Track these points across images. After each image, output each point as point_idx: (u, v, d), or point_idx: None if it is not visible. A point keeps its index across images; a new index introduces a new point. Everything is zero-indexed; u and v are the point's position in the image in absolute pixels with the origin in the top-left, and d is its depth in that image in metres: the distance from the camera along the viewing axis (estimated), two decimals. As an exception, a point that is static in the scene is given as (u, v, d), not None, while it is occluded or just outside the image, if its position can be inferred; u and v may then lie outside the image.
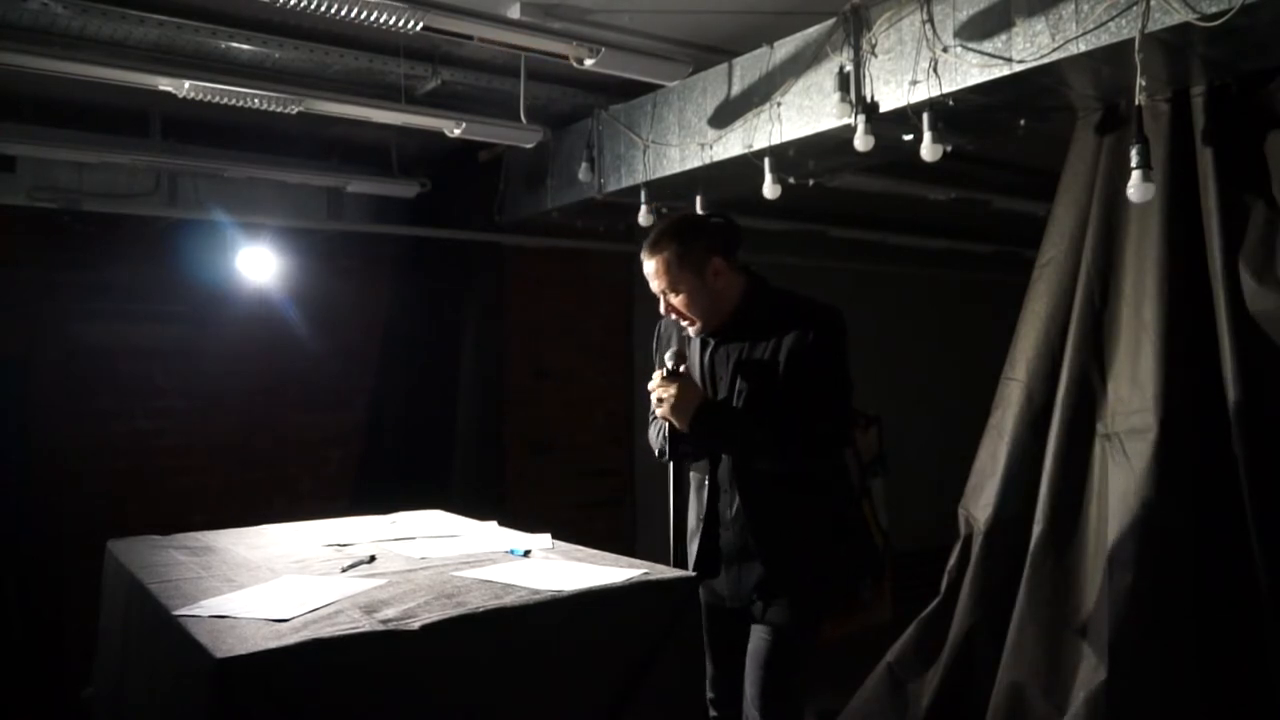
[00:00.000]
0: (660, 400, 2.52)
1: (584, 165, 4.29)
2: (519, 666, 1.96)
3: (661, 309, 2.62)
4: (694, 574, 2.37)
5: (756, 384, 2.51)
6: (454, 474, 5.24)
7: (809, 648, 2.63)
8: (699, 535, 2.65)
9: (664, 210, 4.52)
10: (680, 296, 2.53)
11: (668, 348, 2.61)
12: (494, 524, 3.09)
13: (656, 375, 2.57)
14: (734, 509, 2.57)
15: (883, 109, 3.17)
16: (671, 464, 2.59)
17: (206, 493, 4.94)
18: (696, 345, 2.65)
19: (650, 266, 2.55)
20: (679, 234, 2.55)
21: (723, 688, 2.71)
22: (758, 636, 2.60)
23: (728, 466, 2.59)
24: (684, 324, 2.61)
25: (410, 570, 2.35)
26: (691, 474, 2.72)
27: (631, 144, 4.15)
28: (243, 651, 1.70)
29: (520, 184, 4.99)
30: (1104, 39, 2.59)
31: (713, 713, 2.74)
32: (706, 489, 2.64)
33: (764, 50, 3.56)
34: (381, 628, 1.84)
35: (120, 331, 4.79)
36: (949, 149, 3.21)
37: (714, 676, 2.70)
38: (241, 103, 3.54)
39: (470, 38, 3.14)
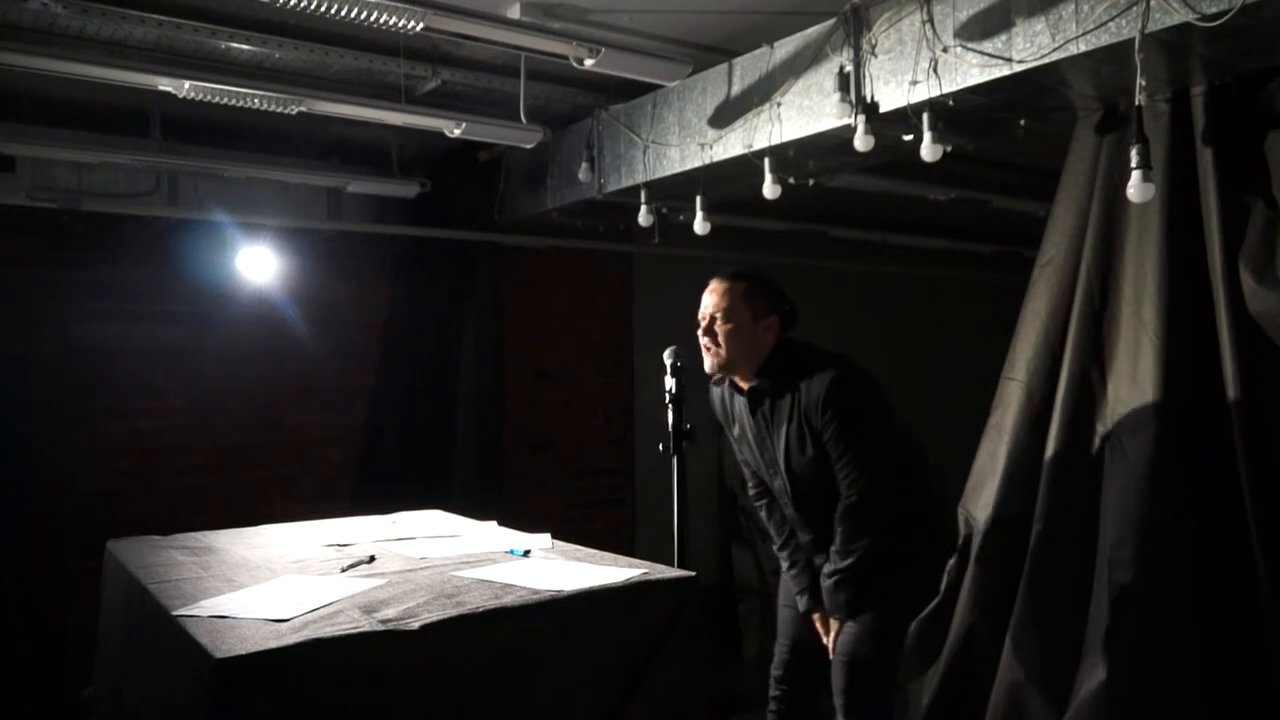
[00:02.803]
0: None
1: (584, 165, 4.29)
2: (518, 666, 1.96)
3: (700, 333, 2.78)
4: (693, 574, 2.37)
5: (798, 454, 2.72)
6: (454, 474, 5.24)
7: (894, 644, 2.87)
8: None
9: (664, 210, 4.52)
10: (727, 326, 2.72)
11: (732, 420, 2.90)
12: (494, 524, 3.09)
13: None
14: (801, 525, 2.85)
15: (883, 109, 3.17)
16: (676, 459, 2.62)
17: (206, 493, 4.94)
18: (745, 409, 2.83)
19: (719, 287, 2.78)
20: (756, 279, 2.82)
21: (789, 671, 2.96)
22: (843, 633, 2.79)
23: (783, 488, 2.81)
24: (706, 353, 2.77)
25: (410, 570, 2.35)
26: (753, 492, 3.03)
27: (631, 144, 4.15)
28: (242, 651, 1.70)
29: (520, 184, 4.99)
30: (1104, 39, 2.59)
31: (774, 691, 2.98)
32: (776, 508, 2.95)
33: (764, 50, 3.56)
34: (381, 628, 1.84)
35: (120, 331, 4.80)
36: (949, 149, 3.21)
37: (783, 659, 2.97)
38: (241, 103, 3.54)
39: (471, 38, 3.14)
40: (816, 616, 2.88)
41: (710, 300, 2.76)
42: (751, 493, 3.07)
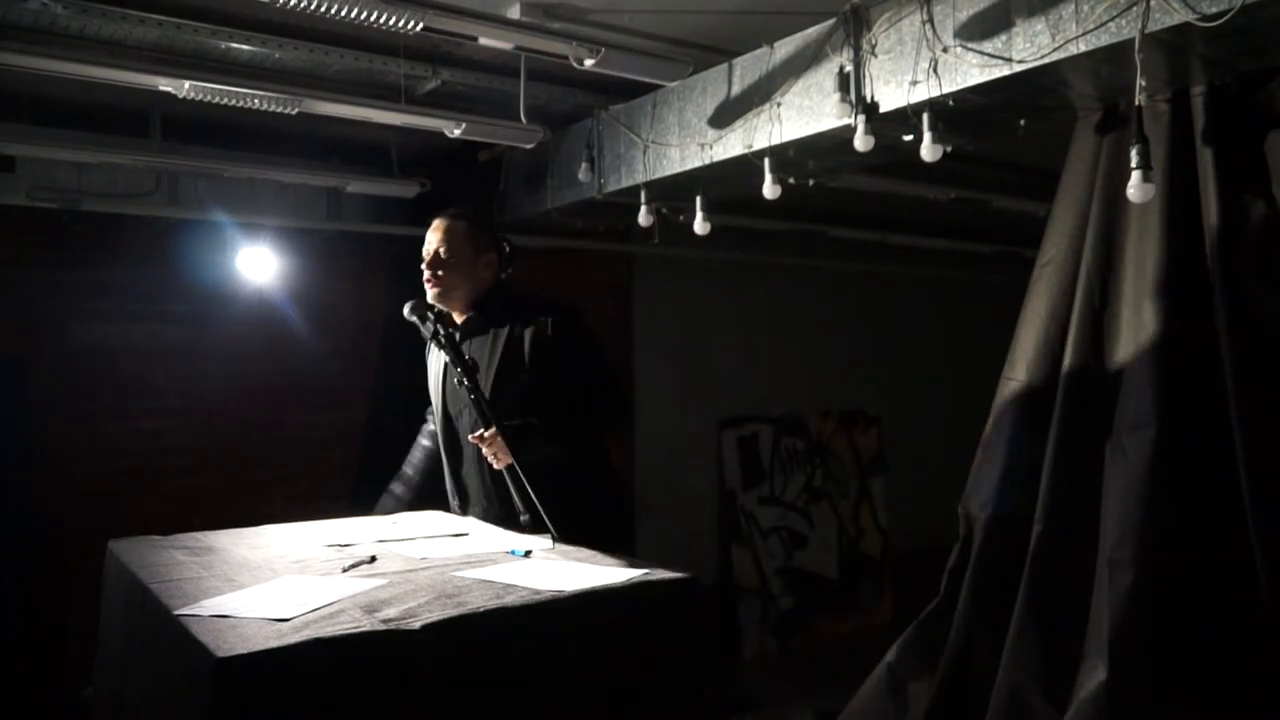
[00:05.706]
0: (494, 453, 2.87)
1: (584, 165, 4.29)
2: (519, 666, 1.96)
3: (425, 266, 3.02)
4: (694, 574, 2.37)
5: (505, 378, 2.91)
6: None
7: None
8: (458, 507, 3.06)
9: (663, 210, 4.52)
10: (450, 260, 2.97)
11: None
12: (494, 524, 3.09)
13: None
14: (484, 487, 2.98)
15: (883, 109, 3.17)
16: (472, 392, 2.84)
17: (206, 493, 4.93)
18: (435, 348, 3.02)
19: (442, 224, 3.02)
20: (478, 219, 3.11)
21: None
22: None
23: (473, 454, 2.96)
24: (428, 284, 3.01)
25: (411, 570, 2.35)
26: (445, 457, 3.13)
27: (631, 144, 4.15)
28: (243, 651, 1.70)
29: (520, 184, 4.99)
30: (1104, 39, 2.60)
31: None
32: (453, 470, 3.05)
33: (764, 50, 3.56)
34: (382, 627, 1.84)
35: (120, 331, 4.79)
36: (949, 149, 3.21)
37: None
38: (241, 103, 3.54)
39: (471, 38, 3.14)
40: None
41: (435, 237, 2.98)
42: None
